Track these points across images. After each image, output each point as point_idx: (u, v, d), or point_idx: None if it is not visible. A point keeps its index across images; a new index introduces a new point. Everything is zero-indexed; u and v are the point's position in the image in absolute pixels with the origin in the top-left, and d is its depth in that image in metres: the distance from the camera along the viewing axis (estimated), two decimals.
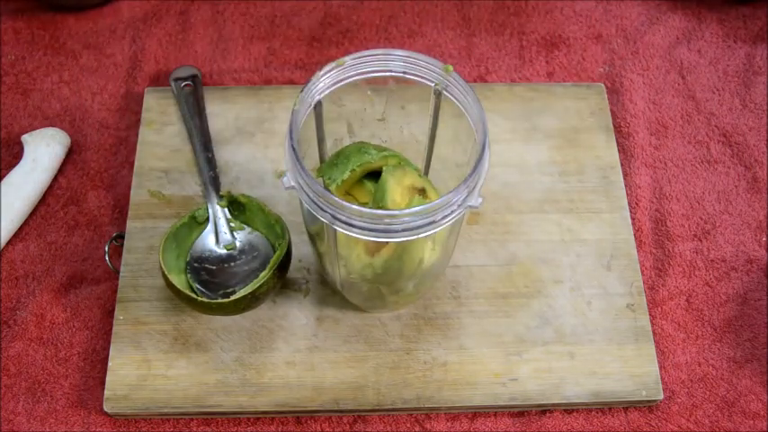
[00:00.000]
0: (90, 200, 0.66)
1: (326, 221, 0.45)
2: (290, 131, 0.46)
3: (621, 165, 0.67)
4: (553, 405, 0.57)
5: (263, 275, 0.55)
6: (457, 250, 0.61)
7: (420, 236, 0.44)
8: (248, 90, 0.69)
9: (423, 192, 0.51)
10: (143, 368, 0.57)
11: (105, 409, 0.56)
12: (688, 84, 0.72)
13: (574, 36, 0.75)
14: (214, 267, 0.59)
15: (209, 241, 0.59)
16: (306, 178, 0.45)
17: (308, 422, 0.57)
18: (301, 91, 0.48)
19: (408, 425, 0.57)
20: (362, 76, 0.50)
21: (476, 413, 0.58)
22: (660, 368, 0.59)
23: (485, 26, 0.76)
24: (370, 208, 0.44)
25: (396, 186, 0.50)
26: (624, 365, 0.58)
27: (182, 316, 0.59)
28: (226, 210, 0.60)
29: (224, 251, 0.59)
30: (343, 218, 0.44)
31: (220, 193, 0.61)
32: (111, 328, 0.59)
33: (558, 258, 0.62)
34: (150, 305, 0.59)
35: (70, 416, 0.57)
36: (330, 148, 0.56)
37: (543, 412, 0.58)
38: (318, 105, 0.50)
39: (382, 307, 0.59)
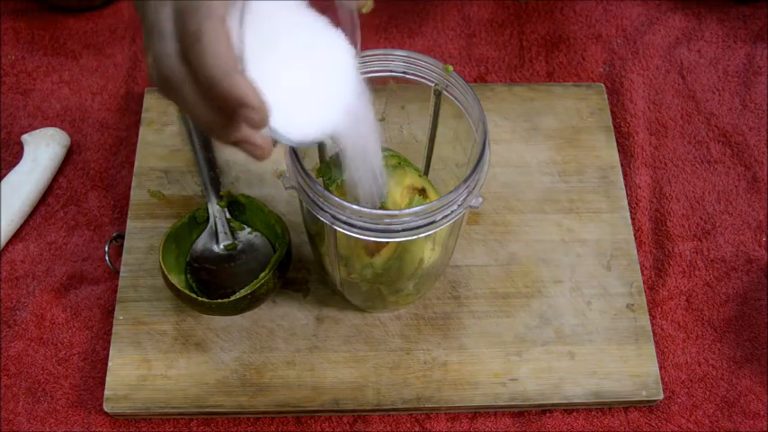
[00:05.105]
0: (90, 200, 0.66)
1: (326, 221, 0.45)
2: None
3: (621, 165, 0.67)
4: (553, 405, 0.57)
5: (263, 275, 0.55)
6: (457, 250, 0.61)
7: (420, 236, 0.44)
8: None
9: (423, 192, 0.51)
10: (143, 368, 0.57)
11: (105, 409, 0.56)
12: (688, 84, 0.72)
13: (574, 36, 0.75)
14: (214, 267, 0.59)
15: (209, 241, 0.59)
16: (306, 178, 0.44)
17: (308, 422, 0.57)
18: None
19: (408, 425, 0.57)
20: (362, 76, 0.50)
21: (476, 413, 0.58)
22: (660, 368, 0.59)
23: (485, 26, 0.75)
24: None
25: (396, 186, 0.50)
26: (624, 365, 0.58)
27: (182, 316, 0.59)
28: (226, 210, 0.60)
29: (224, 251, 0.59)
30: (343, 218, 0.44)
31: (220, 193, 0.61)
32: (111, 328, 0.59)
33: (558, 258, 0.62)
34: (150, 305, 0.59)
35: (70, 416, 0.57)
36: (330, 148, 0.56)
37: (543, 412, 0.58)
38: None
39: (382, 307, 0.59)
